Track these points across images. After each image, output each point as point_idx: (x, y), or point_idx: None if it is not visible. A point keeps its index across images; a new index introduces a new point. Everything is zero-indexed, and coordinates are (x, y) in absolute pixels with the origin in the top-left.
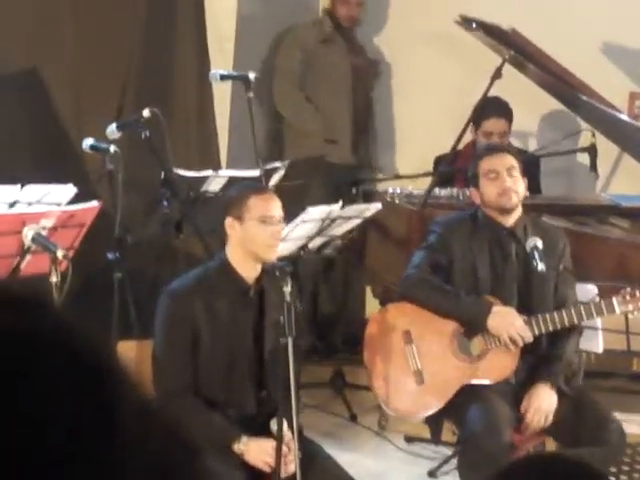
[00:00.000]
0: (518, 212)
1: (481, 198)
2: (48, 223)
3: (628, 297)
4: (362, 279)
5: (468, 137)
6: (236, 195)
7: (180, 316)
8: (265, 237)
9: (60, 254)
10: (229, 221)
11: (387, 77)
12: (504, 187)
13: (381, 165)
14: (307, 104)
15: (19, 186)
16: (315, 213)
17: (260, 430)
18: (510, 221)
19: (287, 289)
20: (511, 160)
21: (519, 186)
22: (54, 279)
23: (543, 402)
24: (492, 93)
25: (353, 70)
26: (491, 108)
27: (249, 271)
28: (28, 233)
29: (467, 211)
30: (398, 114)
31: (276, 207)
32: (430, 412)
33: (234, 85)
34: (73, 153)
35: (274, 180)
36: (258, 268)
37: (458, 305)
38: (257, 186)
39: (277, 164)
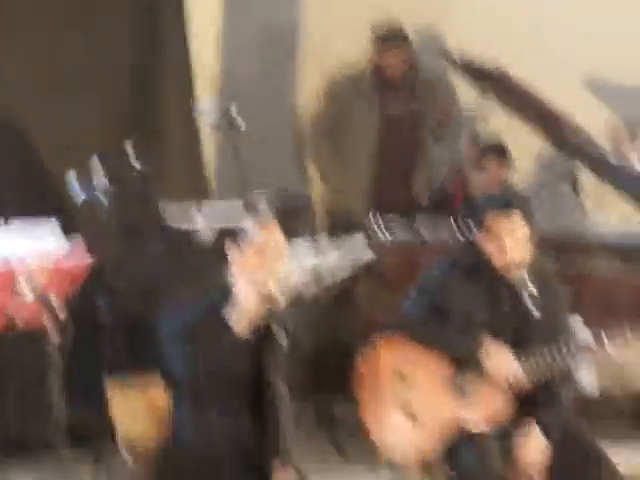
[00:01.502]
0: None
1: (483, 244)
2: (40, 279)
3: (619, 336)
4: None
5: None
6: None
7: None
8: (255, 264)
9: (59, 311)
10: (231, 252)
11: None
12: (503, 254)
13: None
14: (330, 155)
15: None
16: (304, 252)
17: (257, 470)
18: (508, 272)
19: (280, 328)
20: (517, 222)
21: (523, 251)
22: (55, 337)
23: (534, 452)
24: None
25: (389, 122)
26: (494, 150)
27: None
28: (26, 287)
29: (468, 255)
30: None
31: (270, 236)
32: (422, 453)
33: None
34: (57, 187)
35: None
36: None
37: (454, 342)
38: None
39: (260, 194)
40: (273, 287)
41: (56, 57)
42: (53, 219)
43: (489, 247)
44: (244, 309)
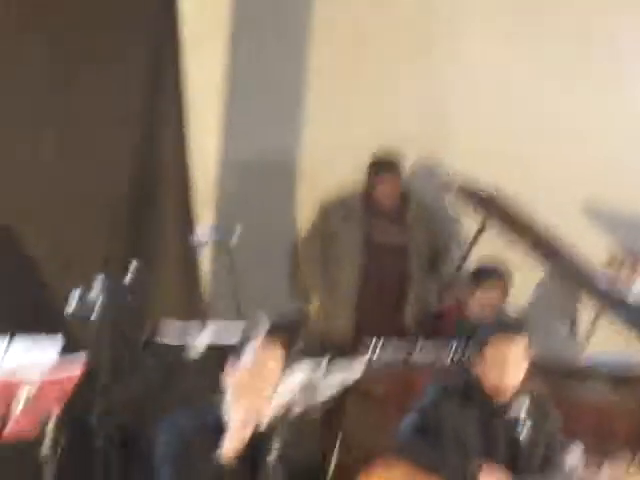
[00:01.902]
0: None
1: (480, 369)
2: (32, 390)
3: (616, 466)
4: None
5: None
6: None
7: (179, 446)
8: (249, 386)
9: (52, 421)
10: (227, 367)
11: None
12: (504, 381)
13: None
14: (319, 277)
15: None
16: (299, 372)
17: None
18: (503, 398)
19: (272, 449)
20: (521, 349)
21: (520, 375)
22: (46, 446)
23: None
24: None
25: (375, 249)
26: (491, 276)
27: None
28: (20, 401)
29: (462, 379)
30: None
31: (269, 358)
32: None
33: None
34: (57, 308)
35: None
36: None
37: (448, 466)
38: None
39: (259, 319)
40: (266, 411)
41: (60, 184)
42: (59, 336)
43: (488, 371)
44: (236, 434)
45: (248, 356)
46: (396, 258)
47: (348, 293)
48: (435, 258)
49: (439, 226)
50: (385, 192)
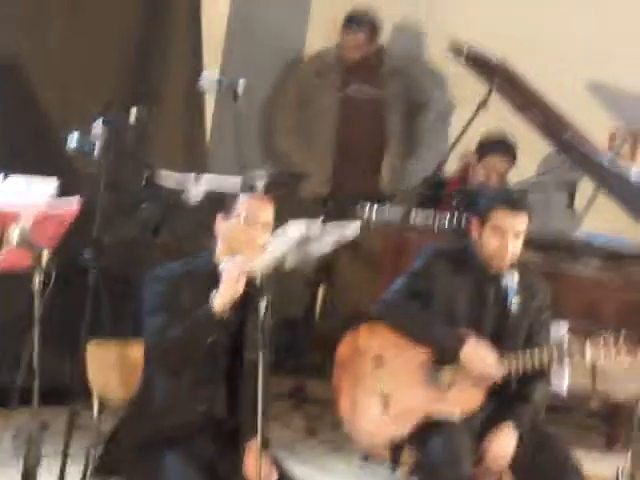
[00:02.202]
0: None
1: (478, 236)
2: (27, 223)
3: (601, 343)
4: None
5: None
6: (231, 195)
7: (170, 296)
8: (242, 235)
9: (46, 255)
10: (218, 218)
11: None
12: (503, 251)
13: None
14: (300, 148)
15: (1, 176)
16: (295, 226)
17: (228, 439)
18: (498, 267)
19: (262, 303)
20: (524, 223)
21: (517, 249)
22: (37, 279)
23: (504, 446)
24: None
25: (347, 104)
26: (499, 146)
27: None
28: (14, 232)
29: (458, 243)
30: None
31: (262, 210)
32: (391, 439)
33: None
34: (56, 146)
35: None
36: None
37: (433, 333)
38: (254, 190)
39: (260, 172)
40: (257, 263)
41: (66, 18)
42: (54, 179)
43: (487, 239)
44: (229, 284)
45: (242, 205)
46: (372, 113)
47: (323, 153)
48: (416, 110)
49: (419, 77)
50: (352, 45)
